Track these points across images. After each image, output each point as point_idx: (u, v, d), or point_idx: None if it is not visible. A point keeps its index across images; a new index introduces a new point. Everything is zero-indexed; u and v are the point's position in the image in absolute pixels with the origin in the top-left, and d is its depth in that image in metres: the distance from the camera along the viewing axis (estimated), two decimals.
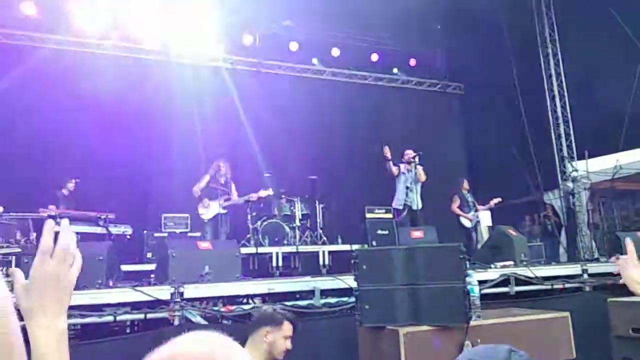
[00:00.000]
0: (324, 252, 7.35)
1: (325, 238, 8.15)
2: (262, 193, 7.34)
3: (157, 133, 8.90)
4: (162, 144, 8.57)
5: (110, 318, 3.52)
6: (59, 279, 0.85)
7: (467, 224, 8.29)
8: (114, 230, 7.08)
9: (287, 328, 2.83)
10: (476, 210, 8.44)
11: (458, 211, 8.26)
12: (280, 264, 6.98)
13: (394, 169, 7.46)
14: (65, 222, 0.91)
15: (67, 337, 0.86)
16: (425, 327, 3.02)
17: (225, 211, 7.14)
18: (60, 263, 0.86)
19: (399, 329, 2.97)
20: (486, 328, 3.12)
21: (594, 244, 9.63)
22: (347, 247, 7.60)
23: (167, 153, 8.49)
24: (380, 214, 8.27)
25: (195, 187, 7.16)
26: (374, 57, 11.55)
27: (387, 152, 7.35)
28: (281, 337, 2.80)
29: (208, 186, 7.16)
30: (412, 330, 2.98)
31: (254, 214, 8.06)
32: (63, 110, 8.19)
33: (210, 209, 7.08)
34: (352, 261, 3.32)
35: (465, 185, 8.60)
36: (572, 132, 10.13)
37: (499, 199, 8.74)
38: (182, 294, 3.68)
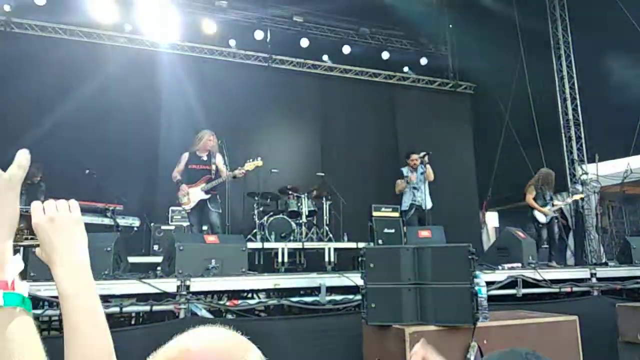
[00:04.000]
0: (329, 249, 7.35)
1: (331, 235, 8.14)
2: (249, 166, 5.99)
3: (166, 126, 8.93)
4: (171, 137, 8.58)
5: (116, 309, 3.53)
6: (55, 222, 0.95)
7: (541, 218, 7.39)
8: (122, 222, 7.09)
9: None
10: (553, 205, 7.54)
11: (533, 203, 7.41)
12: (285, 259, 6.99)
13: (402, 185, 7.43)
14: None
15: (85, 270, 0.95)
16: (431, 327, 3.00)
17: (208, 196, 5.90)
18: (51, 210, 0.96)
19: (405, 328, 2.96)
20: (493, 330, 3.10)
21: (602, 248, 9.55)
22: (352, 245, 7.59)
23: (175, 146, 8.49)
24: (387, 212, 8.25)
25: (175, 170, 6.06)
26: (385, 55, 11.51)
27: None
28: None
29: (187, 167, 6.01)
30: (419, 330, 2.96)
31: (261, 209, 8.06)
32: (71, 102, 8.22)
33: (191, 196, 5.90)
34: (360, 259, 3.31)
35: (546, 177, 7.76)
36: (582, 134, 10.04)
37: (581, 195, 8.25)
38: (188, 287, 3.68)
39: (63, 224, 0.97)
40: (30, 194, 6.73)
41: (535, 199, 7.45)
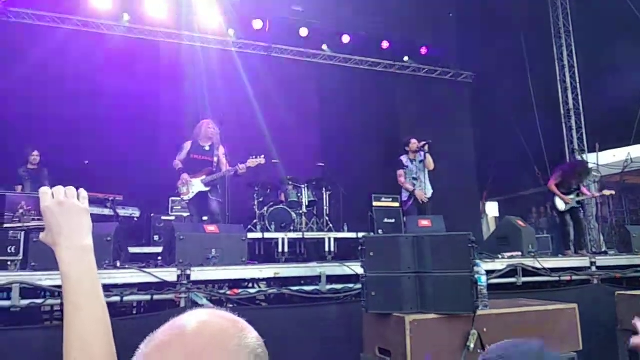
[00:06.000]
0: (329, 239, 7.34)
1: (331, 225, 8.14)
2: (251, 163, 5.90)
3: (166, 116, 8.90)
4: (171, 127, 8.56)
5: (117, 299, 3.53)
6: (64, 206, 1.00)
7: (560, 206, 7.04)
8: (122, 212, 7.09)
9: None
10: (579, 195, 7.12)
11: (554, 189, 7.05)
12: (286, 250, 6.98)
13: (402, 180, 7.26)
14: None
15: (89, 254, 0.99)
16: (431, 315, 3.01)
17: (208, 188, 5.87)
18: (60, 195, 1.01)
19: (405, 316, 2.96)
20: (493, 318, 3.11)
21: (601, 237, 9.58)
22: (353, 234, 7.57)
23: (174, 136, 8.49)
24: (387, 202, 8.25)
25: (176, 158, 6.01)
26: (385, 44, 11.44)
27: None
28: None
29: (189, 157, 5.96)
30: (419, 318, 2.97)
31: (261, 199, 8.06)
32: (72, 92, 8.20)
33: (190, 187, 5.87)
34: (360, 248, 3.31)
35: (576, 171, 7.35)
36: (583, 124, 10.02)
37: (612, 192, 7.76)
38: (188, 276, 3.69)
39: (71, 210, 1.01)
40: (33, 179, 6.74)
41: (558, 186, 7.11)
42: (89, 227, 1.02)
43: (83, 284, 0.95)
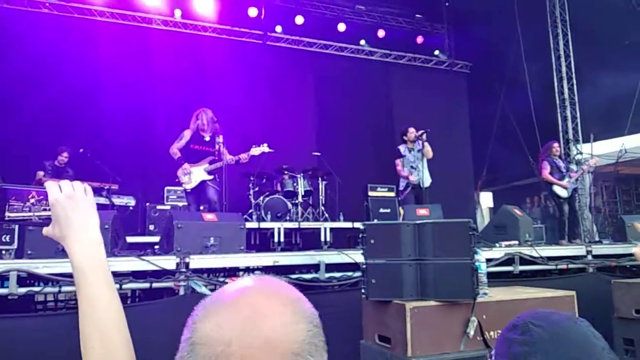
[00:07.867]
0: (325, 229, 7.34)
1: (327, 215, 8.14)
2: (255, 151, 5.87)
3: (161, 105, 8.82)
4: (166, 116, 8.48)
5: (116, 286, 3.51)
6: (73, 199, 1.01)
7: (561, 193, 7.03)
8: (117, 201, 7.05)
9: None
10: (570, 177, 7.17)
11: (550, 178, 7.07)
12: (281, 239, 6.98)
13: (399, 169, 7.36)
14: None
15: (100, 246, 1.01)
16: (432, 303, 3.02)
17: (211, 177, 5.79)
18: (69, 188, 1.01)
19: (405, 303, 2.97)
20: (492, 305, 3.12)
21: (594, 227, 9.65)
22: (348, 224, 7.59)
23: (171, 126, 8.42)
24: (382, 192, 8.24)
25: (174, 146, 5.89)
26: (381, 33, 11.40)
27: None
28: None
29: (189, 147, 5.85)
30: (419, 305, 2.98)
31: (257, 189, 8.04)
32: (66, 79, 8.09)
33: (192, 176, 5.77)
34: (360, 235, 3.30)
35: (555, 149, 7.35)
36: (578, 114, 10.04)
37: (596, 159, 7.65)
38: (187, 264, 3.68)
39: (80, 203, 1.02)
40: (56, 175, 6.73)
41: (551, 174, 7.12)
42: (97, 221, 1.03)
43: (97, 275, 0.96)
